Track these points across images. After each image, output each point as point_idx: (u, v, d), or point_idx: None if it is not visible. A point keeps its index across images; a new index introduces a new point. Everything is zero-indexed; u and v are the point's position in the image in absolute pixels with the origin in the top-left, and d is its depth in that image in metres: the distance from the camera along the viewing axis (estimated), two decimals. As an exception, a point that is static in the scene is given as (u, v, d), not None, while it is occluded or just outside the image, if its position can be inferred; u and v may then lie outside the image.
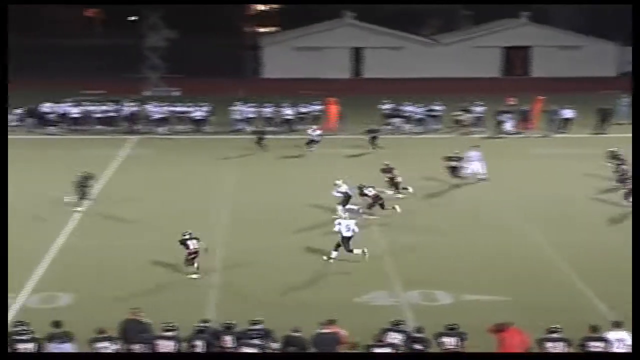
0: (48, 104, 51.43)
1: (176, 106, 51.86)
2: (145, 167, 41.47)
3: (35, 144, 47.10)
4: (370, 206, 32.45)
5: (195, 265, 26.58)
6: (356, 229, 27.73)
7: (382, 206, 32.46)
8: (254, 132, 46.10)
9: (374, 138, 44.84)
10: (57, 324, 19.86)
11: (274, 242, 29.48)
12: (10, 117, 51.59)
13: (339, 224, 27.83)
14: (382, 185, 34.50)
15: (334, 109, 50.65)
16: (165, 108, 51.24)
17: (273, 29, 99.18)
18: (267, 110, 51.26)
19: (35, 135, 49.26)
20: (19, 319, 20.76)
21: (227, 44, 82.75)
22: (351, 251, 27.66)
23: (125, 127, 50.50)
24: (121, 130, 50.06)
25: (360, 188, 32.47)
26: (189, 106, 51.49)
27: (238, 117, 50.93)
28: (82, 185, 33.65)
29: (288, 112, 51.02)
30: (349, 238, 27.59)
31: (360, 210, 32.40)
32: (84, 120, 51.10)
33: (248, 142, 45.89)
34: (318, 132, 44.78)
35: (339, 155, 43.49)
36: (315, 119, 50.92)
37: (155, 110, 50.89)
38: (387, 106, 51.57)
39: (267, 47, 78.63)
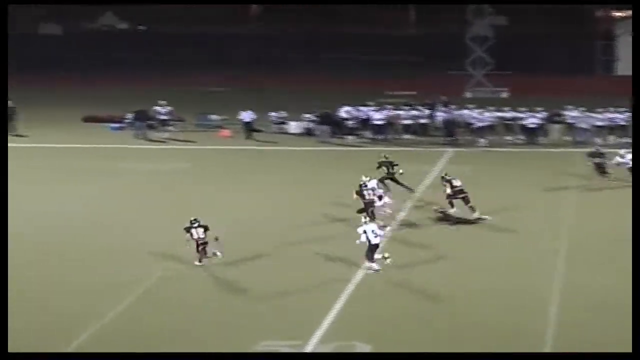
0: (347, 108, 52.37)
1: (504, 111, 51.35)
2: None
3: (328, 156, 48.15)
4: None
5: (209, 255, 29.77)
6: (381, 233, 30.04)
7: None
8: (591, 155, 42.11)
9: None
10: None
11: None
12: (298, 123, 52.93)
13: (364, 232, 29.42)
14: None
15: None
16: (490, 113, 50.92)
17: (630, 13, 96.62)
18: (621, 117, 49.56)
19: (329, 146, 50.24)
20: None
21: (568, 31, 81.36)
22: (373, 261, 29.46)
23: (440, 137, 50.83)
24: (435, 141, 50.46)
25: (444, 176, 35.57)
26: (520, 111, 50.89)
27: (584, 125, 49.67)
28: None
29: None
30: (377, 245, 29.47)
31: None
32: (389, 128, 51.66)
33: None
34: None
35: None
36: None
37: (478, 116, 50.64)
38: None
39: (624, 36, 76.68)
